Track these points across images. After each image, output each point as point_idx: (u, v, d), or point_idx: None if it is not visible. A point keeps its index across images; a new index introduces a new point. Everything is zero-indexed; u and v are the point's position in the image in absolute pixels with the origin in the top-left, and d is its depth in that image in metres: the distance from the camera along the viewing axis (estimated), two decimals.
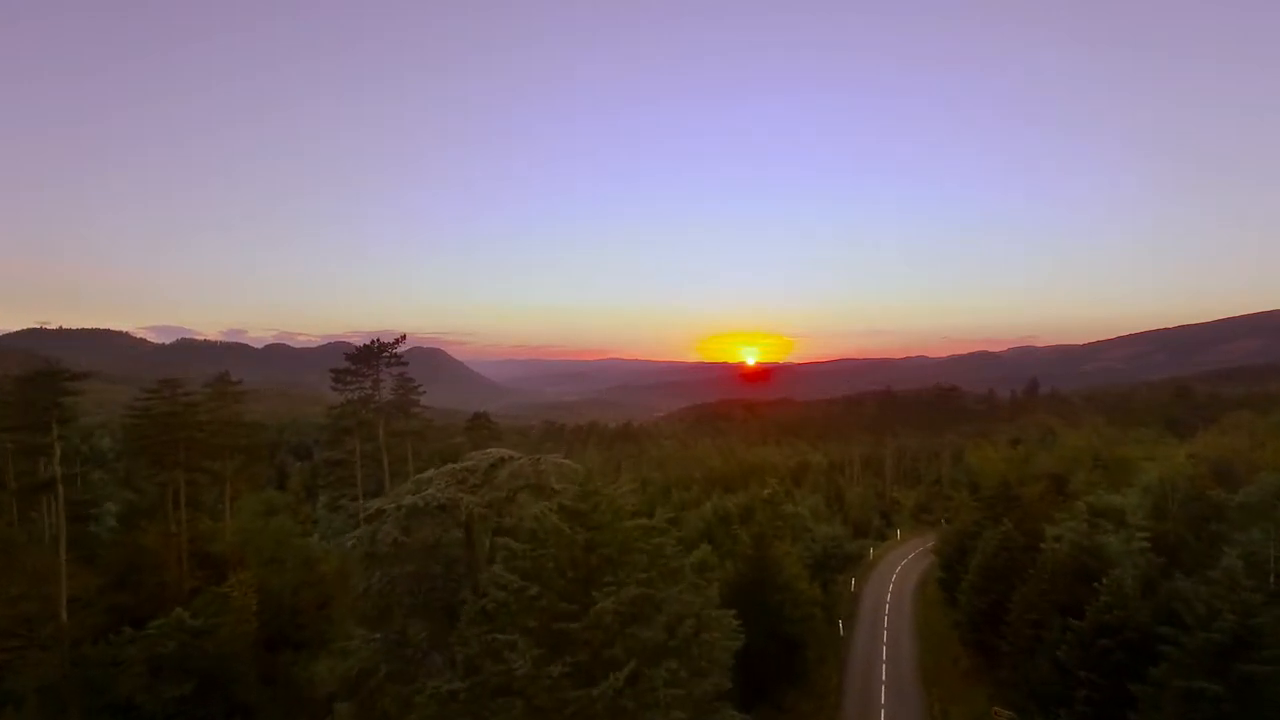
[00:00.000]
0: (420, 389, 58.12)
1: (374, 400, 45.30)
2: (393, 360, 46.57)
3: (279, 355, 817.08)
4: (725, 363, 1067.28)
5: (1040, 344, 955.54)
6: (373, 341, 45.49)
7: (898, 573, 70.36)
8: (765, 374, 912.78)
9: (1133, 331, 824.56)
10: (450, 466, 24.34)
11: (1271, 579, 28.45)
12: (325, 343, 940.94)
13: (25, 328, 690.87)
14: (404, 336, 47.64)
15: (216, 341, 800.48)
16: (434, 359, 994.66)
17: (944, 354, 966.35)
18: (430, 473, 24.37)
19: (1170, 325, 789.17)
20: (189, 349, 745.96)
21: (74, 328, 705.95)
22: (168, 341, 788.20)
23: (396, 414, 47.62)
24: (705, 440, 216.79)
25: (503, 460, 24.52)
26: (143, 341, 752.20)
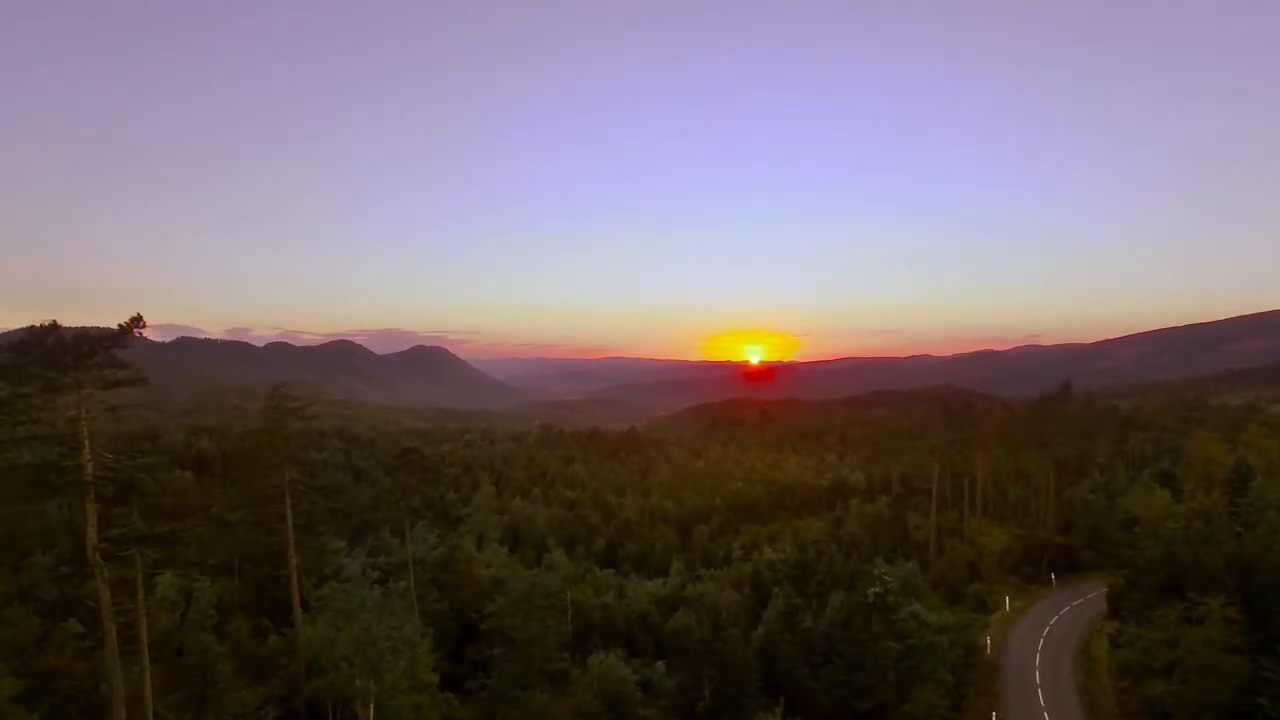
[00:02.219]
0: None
1: (76, 460, 19.51)
2: (105, 376, 21.58)
3: (281, 354, 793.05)
4: (729, 361, 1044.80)
5: (1045, 343, 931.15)
6: (38, 327, 20.35)
7: (1040, 683, 45.76)
8: (769, 373, 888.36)
9: (1139, 330, 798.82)
10: None
11: None
12: (329, 341, 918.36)
13: (25, 325, 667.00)
14: (139, 320, 22.74)
15: (217, 340, 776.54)
16: (437, 358, 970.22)
17: (948, 353, 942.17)
18: None
19: (1178, 324, 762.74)
20: (189, 348, 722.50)
21: (72, 326, 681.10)
22: (167, 340, 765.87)
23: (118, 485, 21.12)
24: (716, 447, 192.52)
25: None
26: (142, 340, 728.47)
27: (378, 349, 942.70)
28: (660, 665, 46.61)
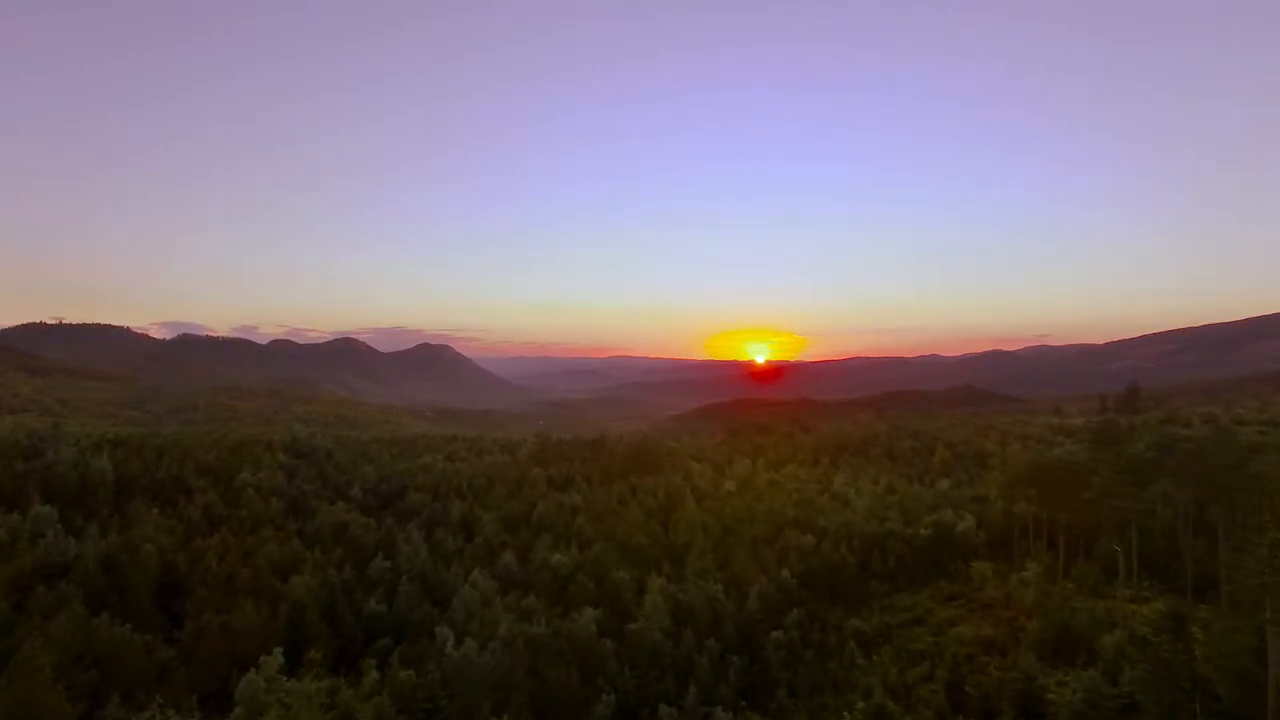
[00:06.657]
0: None
1: None
2: None
3: (284, 352, 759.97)
4: (735, 360, 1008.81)
5: (1056, 343, 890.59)
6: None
7: None
8: (777, 372, 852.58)
9: (1156, 330, 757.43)
10: None
11: None
12: (333, 338, 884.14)
13: (27, 323, 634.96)
14: None
15: (219, 337, 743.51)
16: (442, 356, 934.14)
17: (958, 352, 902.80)
18: None
19: (1195, 324, 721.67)
20: (191, 345, 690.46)
21: (74, 323, 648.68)
22: (169, 338, 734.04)
23: None
24: (743, 461, 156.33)
25: None
26: (144, 337, 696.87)
27: (382, 347, 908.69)
28: None
